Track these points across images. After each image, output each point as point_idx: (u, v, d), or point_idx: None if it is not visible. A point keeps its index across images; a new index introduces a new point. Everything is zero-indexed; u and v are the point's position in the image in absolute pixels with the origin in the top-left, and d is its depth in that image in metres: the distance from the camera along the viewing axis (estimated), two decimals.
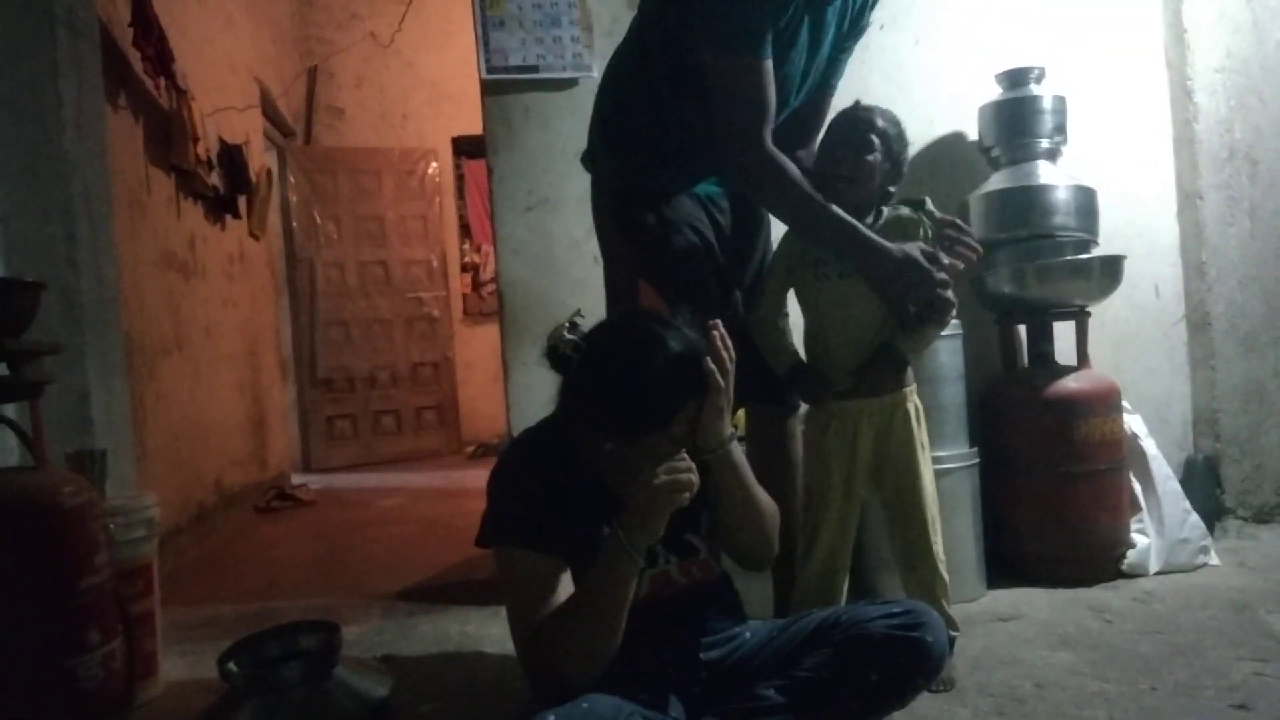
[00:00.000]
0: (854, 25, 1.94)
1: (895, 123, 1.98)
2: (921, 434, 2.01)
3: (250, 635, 1.63)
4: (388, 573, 3.32)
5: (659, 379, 1.37)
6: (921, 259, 1.79)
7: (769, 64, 1.74)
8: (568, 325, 1.46)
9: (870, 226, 1.89)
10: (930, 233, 1.95)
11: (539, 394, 2.59)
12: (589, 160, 2.10)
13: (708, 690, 1.42)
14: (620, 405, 1.38)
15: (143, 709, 2.06)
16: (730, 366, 1.46)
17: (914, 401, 2.02)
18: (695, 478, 1.33)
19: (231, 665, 1.51)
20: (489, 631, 2.52)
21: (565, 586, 1.40)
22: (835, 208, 1.83)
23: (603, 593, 1.34)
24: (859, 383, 1.96)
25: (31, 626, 1.64)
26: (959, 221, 1.94)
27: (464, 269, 7.53)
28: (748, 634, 1.58)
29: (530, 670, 1.42)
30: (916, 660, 1.43)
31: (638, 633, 1.38)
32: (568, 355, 1.43)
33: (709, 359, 1.42)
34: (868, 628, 1.45)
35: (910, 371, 2.01)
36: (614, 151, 2.02)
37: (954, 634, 1.94)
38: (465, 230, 7.56)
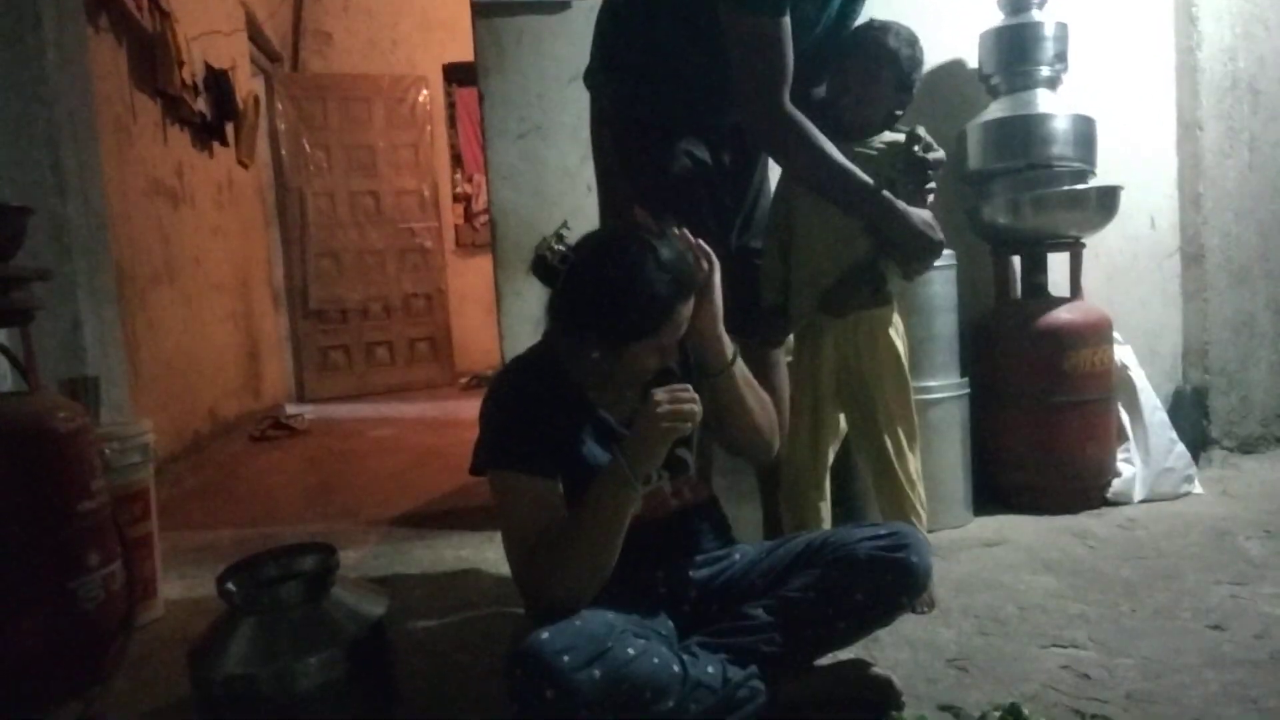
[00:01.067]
0: None
1: (910, 42, 1.94)
2: (894, 356, 2.02)
3: (248, 557, 1.65)
4: (383, 500, 3.36)
5: (648, 282, 1.38)
6: (935, 229, 1.84)
7: (787, 21, 1.72)
8: (554, 236, 1.45)
9: (865, 150, 1.88)
10: (901, 165, 1.93)
11: (532, 324, 2.58)
12: (590, 77, 2.07)
13: (697, 609, 1.45)
14: (610, 309, 1.39)
15: (143, 629, 2.11)
16: (706, 266, 1.50)
17: (891, 323, 2.03)
18: (698, 407, 1.35)
19: (230, 585, 1.53)
20: (484, 555, 2.56)
21: (560, 507, 1.42)
22: (852, 168, 1.83)
23: (600, 517, 1.35)
24: (828, 300, 1.97)
25: (31, 549, 1.66)
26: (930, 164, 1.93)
27: (456, 199, 7.45)
28: (736, 555, 1.61)
29: (526, 591, 1.45)
30: (901, 580, 1.47)
31: (630, 551, 1.41)
32: (555, 266, 1.43)
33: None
34: (853, 549, 1.48)
35: (889, 292, 2.00)
36: (613, 77, 1.99)
37: None
38: (457, 160, 7.46)
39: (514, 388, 1.51)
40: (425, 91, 6.81)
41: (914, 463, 2.05)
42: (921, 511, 2.04)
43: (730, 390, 1.57)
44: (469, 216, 7.48)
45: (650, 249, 1.40)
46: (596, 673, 1.25)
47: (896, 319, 2.05)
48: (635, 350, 1.42)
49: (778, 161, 1.99)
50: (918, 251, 1.87)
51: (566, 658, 1.23)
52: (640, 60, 1.93)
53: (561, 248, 1.43)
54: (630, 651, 1.30)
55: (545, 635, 1.26)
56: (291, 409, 5.78)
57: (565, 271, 1.42)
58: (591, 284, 1.40)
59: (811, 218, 1.98)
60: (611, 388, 1.50)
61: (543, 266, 1.44)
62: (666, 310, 1.40)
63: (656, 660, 1.32)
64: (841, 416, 2.10)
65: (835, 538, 1.54)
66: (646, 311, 1.39)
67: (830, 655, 1.57)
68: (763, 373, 2.02)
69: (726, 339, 1.56)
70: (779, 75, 1.75)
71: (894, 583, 1.47)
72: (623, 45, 1.97)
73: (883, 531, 1.52)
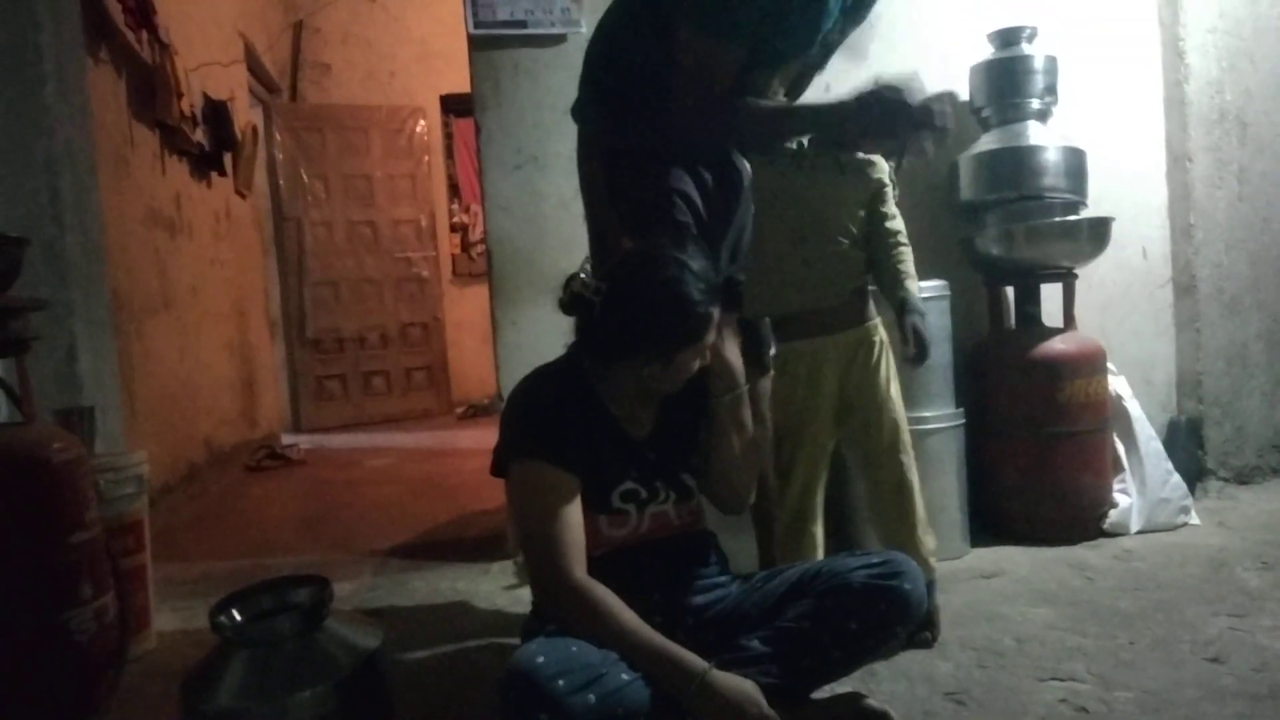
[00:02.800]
0: (855, 11, 1.93)
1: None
2: (888, 367, 2.06)
3: (242, 589, 1.63)
4: (379, 530, 3.34)
5: (690, 290, 1.46)
6: (882, 90, 1.75)
7: (739, 53, 1.75)
8: (582, 271, 1.51)
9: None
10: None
11: (528, 354, 2.59)
12: (578, 113, 2.09)
13: (692, 638, 1.44)
14: (663, 321, 1.45)
15: (136, 662, 2.09)
16: None
17: (879, 336, 2.07)
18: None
19: (223, 618, 1.52)
20: (480, 587, 2.55)
21: (578, 508, 1.44)
22: (790, 104, 1.91)
23: (634, 657, 1.34)
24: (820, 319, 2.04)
25: (24, 580, 1.65)
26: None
27: (453, 229, 7.48)
28: (732, 586, 1.62)
29: (537, 591, 1.48)
30: (895, 609, 1.47)
31: (628, 574, 1.43)
32: (590, 299, 1.48)
33: None
34: (847, 578, 1.49)
35: (872, 306, 2.07)
36: (602, 109, 2.01)
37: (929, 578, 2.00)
38: (454, 190, 7.50)
39: (539, 389, 1.54)
40: (423, 122, 6.86)
41: (913, 471, 2.08)
42: (919, 526, 2.06)
43: (739, 412, 1.62)
44: (466, 246, 7.51)
45: (683, 262, 1.48)
46: (591, 698, 1.24)
47: (880, 329, 2.10)
48: (684, 357, 1.49)
49: (746, 146, 2.03)
50: (882, 123, 1.75)
51: (561, 682, 1.23)
52: (627, 90, 1.95)
53: (592, 280, 1.49)
54: (624, 678, 1.30)
55: (540, 659, 1.26)
56: (287, 439, 5.76)
57: (605, 299, 1.47)
58: (641, 302, 1.46)
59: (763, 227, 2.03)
60: (633, 404, 1.56)
61: (578, 301, 1.49)
62: (709, 314, 1.48)
63: (650, 689, 1.32)
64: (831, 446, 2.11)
65: (829, 567, 1.54)
66: (694, 317, 1.46)
67: (828, 689, 1.56)
68: (752, 401, 2.03)
69: (738, 362, 1.63)
70: (717, 91, 1.78)
71: (888, 611, 1.47)
72: (611, 75, 1.99)
73: (875, 560, 1.52)
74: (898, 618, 1.47)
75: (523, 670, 1.25)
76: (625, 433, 1.55)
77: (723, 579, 1.63)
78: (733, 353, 1.64)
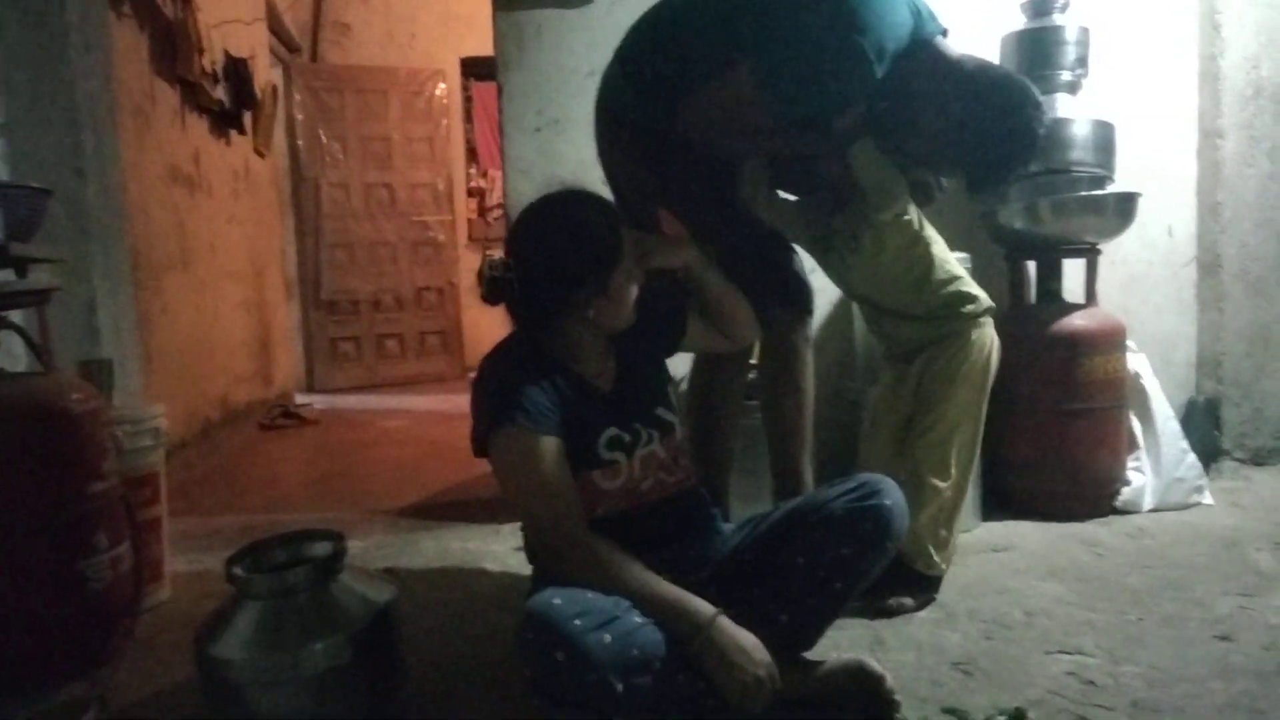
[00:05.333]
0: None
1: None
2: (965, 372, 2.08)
3: (257, 541, 1.65)
4: (391, 490, 3.36)
5: (589, 211, 1.52)
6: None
7: (773, 124, 1.79)
8: (486, 263, 1.51)
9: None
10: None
11: None
12: (615, 94, 2.02)
13: (698, 593, 1.45)
14: (578, 249, 1.48)
15: (150, 611, 2.12)
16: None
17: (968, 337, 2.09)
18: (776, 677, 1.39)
19: (238, 569, 1.53)
20: (490, 548, 2.57)
21: (566, 467, 1.45)
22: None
23: (643, 604, 1.36)
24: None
25: (43, 528, 1.67)
26: None
27: (470, 194, 7.46)
28: (730, 537, 1.64)
29: (539, 553, 1.53)
30: (879, 525, 1.51)
31: (631, 538, 1.45)
32: (504, 277, 1.48)
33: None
34: (830, 508, 1.52)
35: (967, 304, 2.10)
36: (643, 98, 1.95)
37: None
38: (472, 154, 7.46)
39: (503, 362, 1.55)
40: (442, 85, 6.82)
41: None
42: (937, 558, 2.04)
43: (714, 288, 1.73)
44: (482, 211, 7.49)
45: (567, 195, 1.54)
46: (607, 637, 1.27)
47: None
48: (618, 279, 1.50)
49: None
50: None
51: (578, 621, 1.25)
52: (679, 82, 1.90)
53: (496, 259, 1.51)
54: (638, 620, 1.33)
55: (557, 601, 1.28)
56: (301, 399, 5.80)
57: (517, 266, 1.48)
58: (551, 244, 1.49)
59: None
60: (593, 358, 1.57)
61: (496, 284, 1.49)
62: (614, 228, 1.51)
63: (661, 633, 1.34)
64: None
65: (810, 502, 1.59)
66: (602, 233, 1.49)
67: (833, 652, 1.57)
68: (787, 361, 2.02)
69: (694, 251, 1.71)
70: (731, 140, 1.86)
71: (873, 529, 1.50)
72: (665, 63, 1.93)
73: (852, 485, 1.56)
74: (884, 534, 1.52)
75: (539, 611, 1.27)
76: (593, 386, 1.55)
77: (720, 531, 1.66)
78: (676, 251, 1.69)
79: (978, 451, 2.14)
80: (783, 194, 2.18)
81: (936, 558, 2.02)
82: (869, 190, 1.96)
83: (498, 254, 1.55)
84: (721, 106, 1.79)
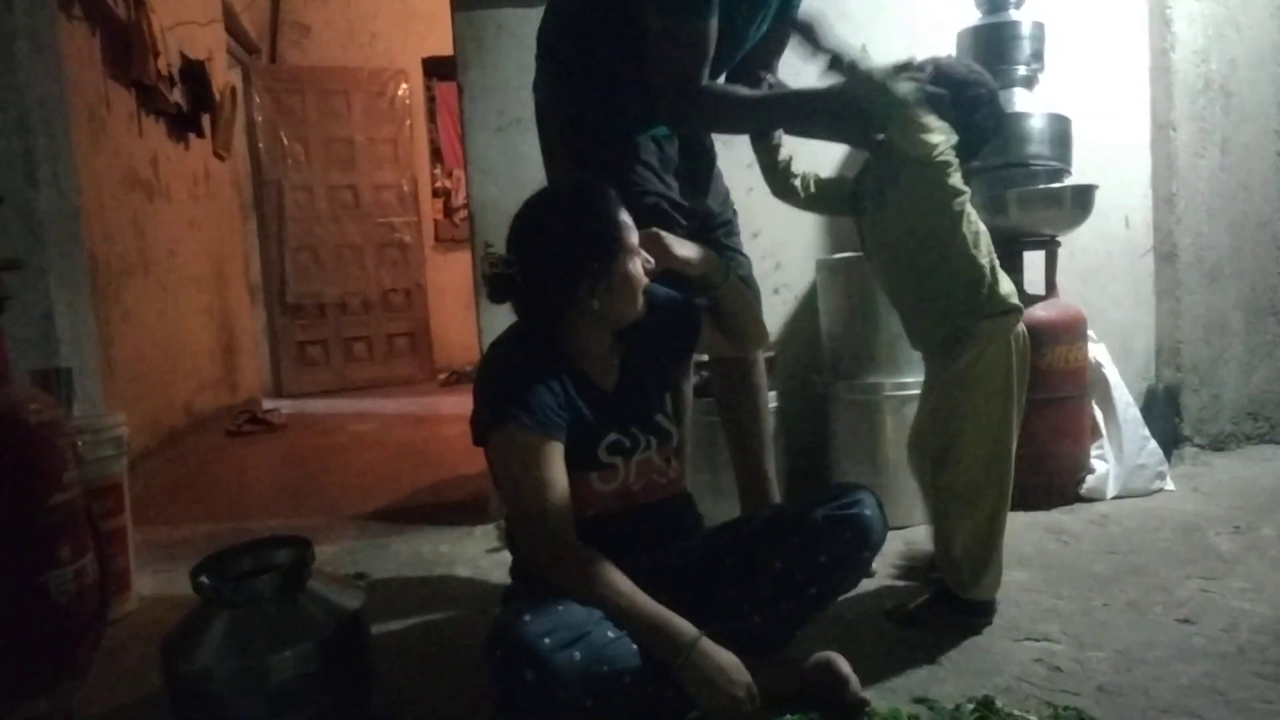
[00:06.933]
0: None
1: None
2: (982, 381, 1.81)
3: (223, 550, 1.63)
4: (361, 495, 3.34)
5: (590, 198, 1.52)
6: (866, 77, 1.71)
7: (713, 22, 1.73)
8: (487, 257, 1.52)
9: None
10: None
11: (511, 320, 2.58)
12: (536, 88, 2.05)
13: (675, 597, 1.45)
14: (578, 238, 1.48)
15: (116, 624, 2.08)
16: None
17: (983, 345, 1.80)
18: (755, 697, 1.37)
19: (204, 578, 1.51)
20: (462, 550, 2.56)
21: (563, 470, 1.44)
22: (780, 91, 1.88)
23: (625, 622, 1.35)
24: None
25: (2, 542, 1.63)
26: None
27: (435, 194, 7.42)
28: (709, 541, 1.64)
29: (525, 553, 1.53)
30: (859, 535, 1.53)
31: (617, 539, 1.45)
32: (507, 273, 1.49)
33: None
34: (810, 515, 1.54)
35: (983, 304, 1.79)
36: (562, 83, 1.97)
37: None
38: (436, 154, 7.42)
39: (511, 354, 1.54)
40: (405, 85, 6.77)
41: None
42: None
43: (731, 299, 1.74)
44: (448, 211, 7.45)
45: (566, 186, 1.57)
46: (577, 655, 1.26)
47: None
48: (621, 268, 1.49)
49: (713, 131, 2.03)
50: (871, 115, 1.72)
51: (548, 640, 1.24)
52: (589, 65, 1.91)
53: (497, 254, 1.51)
54: (610, 635, 1.32)
55: (526, 617, 1.27)
56: (268, 404, 5.74)
57: (520, 260, 1.49)
58: (551, 235, 1.50)
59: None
60: (599, 355, 1.57)
61: (499, 281, 1.50)
62: (615, 214, 1.51)
63: (635, 645, 1.34)
64: None
65: (791, 508, 1.62)
66: (601, 219, 1.49)
67: (805, 650, 1.58)
68: (740, 372, 2.03)
69: (714, 260, 1.70)
70: (698, 64, 1.75)
71: (853, 539, 1.53)
72: (570, 53, 1.95)
73: (835, 493, 1.58)
74: (862, 543, 1.54)
75: (509, 628, 1.26)
76: (598, 386, 1.56)
77: (701, 536, 1.66)
78: (694, 252, 1.67)
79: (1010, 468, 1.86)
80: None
81: (974, 585, 1.82)
82: (894, 127, 1.69)
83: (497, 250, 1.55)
84: (668, 66, 1.75)
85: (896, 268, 1.86)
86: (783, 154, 1.97)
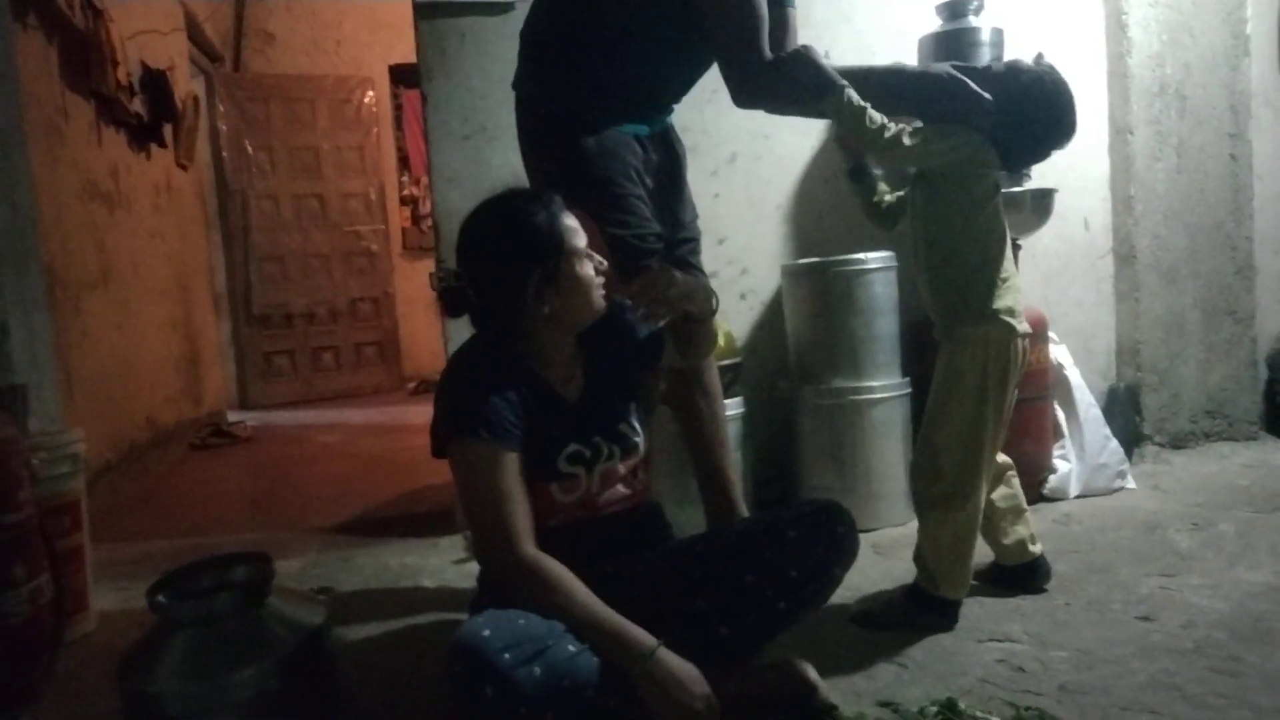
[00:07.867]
0: None
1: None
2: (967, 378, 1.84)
3: (181, 567, 1.61)
4: (327, 507, 3.30)
5: (525, 202, 1.52)
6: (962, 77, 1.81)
7: None
8: (436, 275, 1.54)
9: None
10: None
11: None
12: (519, 84, 2.06)
13: (641, 607, 1.45)
14: (516, 240, 1.48)
15: (74, 644, 2.05)
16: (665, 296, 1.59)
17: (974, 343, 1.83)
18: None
19: (161, 597, 1.49)
20: (428, 563, 2.54)
21: (520, 482, 1.44)
22: (860, 66, 1.90)
23: (584, 632, 1.34)
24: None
25: None
26: None
27: (403, 202, 7.37)
28: (678, 551, 1.64)
29: (484, 564, 1.53)
30: (831, 551, 1.54)
31: (580, 548, 1.45)
32: (456, 286, 1.50)
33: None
34: (783, 529, 1.54)
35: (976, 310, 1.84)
36: (545, 75, 1.98)
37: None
38: (404, 162, 7.38)
39: (471, 365, 1.53)
40: (371, 93, 6.73)
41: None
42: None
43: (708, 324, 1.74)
44: (416, 219, 7.41)
45: (507, 191, 1.55)
46: (537, 670, 1.25)
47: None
48: (568, 270, 1.49)
49: (785, 111, 2.03)
50: (962, 105, 1.82)
51: (507, 655, 1.23)
52: (574, 56, 1.93)
53: (445, 269, 1.50)
54: (571, 649, 1.31)
55: (486, 633, 1.26)
56: (234, 416, 5.67)
57: (467, 272, 1.50)
58: (491, 242, 1.51)
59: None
60: (561, 364, 1.57)
61: (451, 295, 1.51)
62: (553, 216, 1.51)
63: (597, 658, 1.33)
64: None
65: (764, 522, 1.61)
66: (539, 221, 1.49)
67: (769, 651, 1.59)
68: (695, 375, 2.03)
69: (708, 291, 1.70)
70: (758, 25, 1.76)
71: (825, 554, 1.53)
72: (558, 44, 1.96)
73: (808, 509, 1.59)
74: (834, 559, 1.54)
75: (468, 643, 1.25)
76: (560, 396, 1.55)
77: (669, 546, 1.65)
78: (690, 290, 1.66)
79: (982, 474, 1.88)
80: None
81: (946, 584, 1.86)
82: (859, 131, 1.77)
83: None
84: (733, 32, 1.77)
85: (918, 270, 1.94)
86: (880, 193, 2.09)
